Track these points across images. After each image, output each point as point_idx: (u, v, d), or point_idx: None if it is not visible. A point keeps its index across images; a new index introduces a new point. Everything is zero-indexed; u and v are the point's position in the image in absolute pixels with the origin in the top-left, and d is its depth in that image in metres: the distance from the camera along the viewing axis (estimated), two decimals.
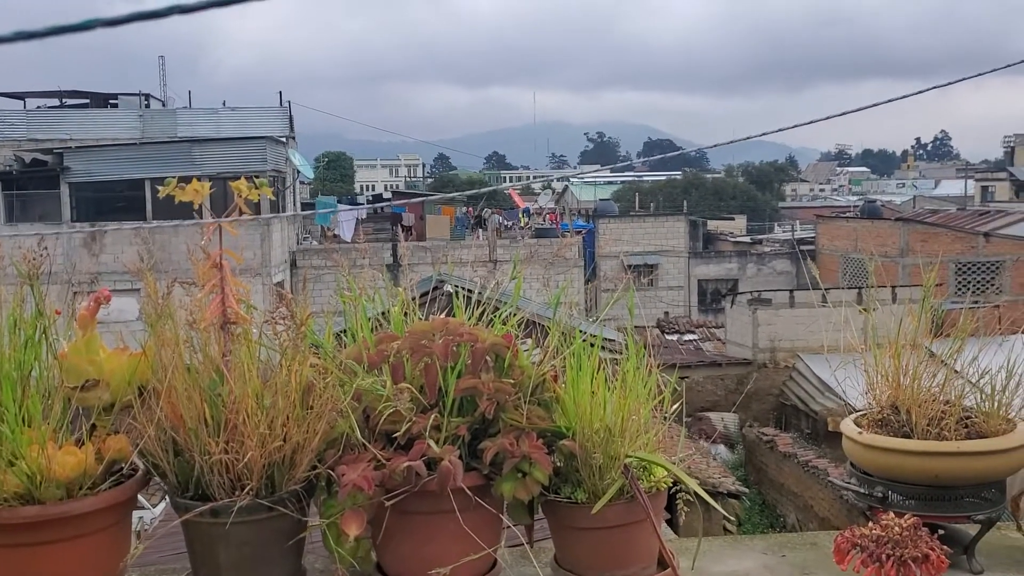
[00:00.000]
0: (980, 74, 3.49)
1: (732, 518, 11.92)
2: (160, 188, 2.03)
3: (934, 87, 3.53)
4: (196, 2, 0.84)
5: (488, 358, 2.17)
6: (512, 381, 2.15)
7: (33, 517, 1.91)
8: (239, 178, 2.19)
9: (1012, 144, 69.68)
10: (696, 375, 20.50)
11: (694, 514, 2.29)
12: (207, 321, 2.10)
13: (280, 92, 32.64)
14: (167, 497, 2.20)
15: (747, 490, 14.89)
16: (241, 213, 2.15)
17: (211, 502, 1.99)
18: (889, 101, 3.38)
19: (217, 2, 0.87)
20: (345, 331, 2.43)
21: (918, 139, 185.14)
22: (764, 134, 4.46)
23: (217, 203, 2.48)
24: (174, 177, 2.13)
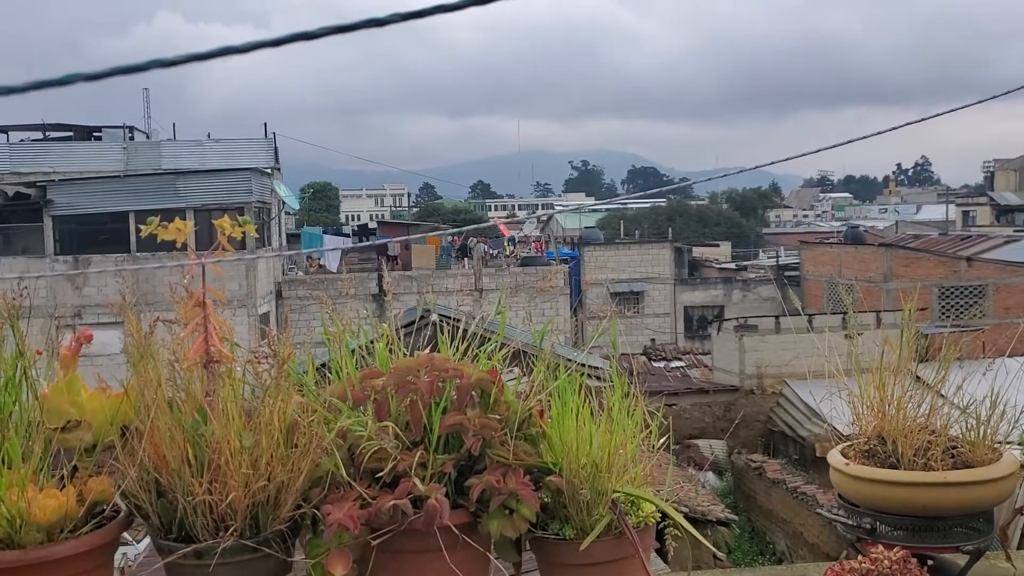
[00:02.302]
0: (994, 97, 3.52)
1: (721, 553, 11.86)
2: (143, 227, 2.02)
3: (950, 110, 3.54)
4: (175, 56, 0.85)
5: (474, 394, 2.16)
6: (498, 417, 2.14)
7: (13, 562, 1.87)
8: (224, 210, 2.19)
9: (992, 169, 70.55)
10: (684, 402, 20.50)
11: (683, 547, 2.27)
12: (190, 360, 2.09)
13: (265, 124, 32.81)
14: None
15: (736, 517, 14.84)
16: (224, 251, 2.14)
17: (194, 543, 1.97)
18: (906, 124, 3.42)
19: (195, 56, 0.87)
20: (326, 364, 2.42)
21: (899, 165, 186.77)
22: (775, 161, 4.45)
23: (202, 236, 2.46)
24: (156, 215, 2.12)
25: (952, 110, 3.51)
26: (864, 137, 3.29)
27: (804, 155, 3.31)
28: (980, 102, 3.46)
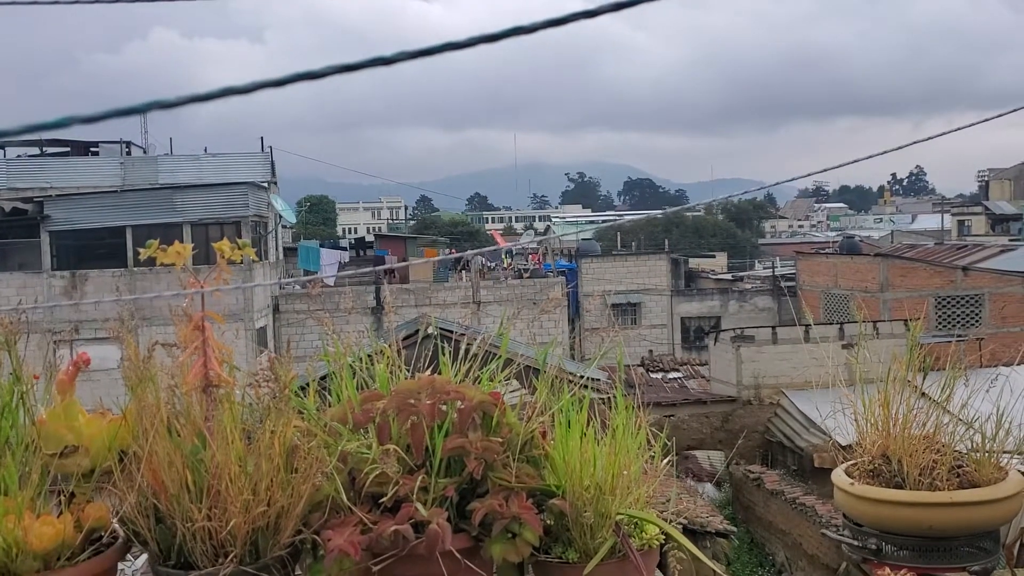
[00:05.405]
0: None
1: (720, 565, 11.80)
2: (142, 250, 2.01)
3: (984, 119, 3.55)
4: (175, 98, 0.84)
5: (475, 416, 2.14)
6: (500, 439, 2.12)
7: None
8: (221, 224, 2.18)
9: (986, 178, 70.74)
10: (681, 413, 20.46)
11: (687, 567, 2.26)
12: (189, 384, 2.07)
13: (261, 138, 32.67)
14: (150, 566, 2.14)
15: (735, 529, 14.78)
16: (223, 274, 2.12)
17: (194, 570, 1.94)
18: (928, 139, 3.46)
19: (194, 98, 0.86)
20: (325, 377, 2.40)
21: (894, 175, 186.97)
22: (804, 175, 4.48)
23: (199, 248, 2.44)
24: (153, 230, 2.11)
25: (984, 120, 3.52)
26: (920, 141, 3.34)
27: (848, 163, 3.33)
28: (1003, 114, 3.48)
